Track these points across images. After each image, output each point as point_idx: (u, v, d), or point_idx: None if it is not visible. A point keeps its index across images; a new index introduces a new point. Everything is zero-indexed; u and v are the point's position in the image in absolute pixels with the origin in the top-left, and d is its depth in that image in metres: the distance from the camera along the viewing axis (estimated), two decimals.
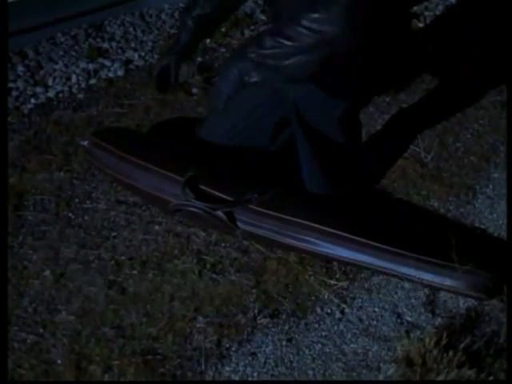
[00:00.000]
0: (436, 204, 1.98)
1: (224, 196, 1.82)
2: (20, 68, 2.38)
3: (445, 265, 1.69)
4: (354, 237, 1.74)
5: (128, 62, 2.47)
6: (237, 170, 1.92)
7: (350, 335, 1.68)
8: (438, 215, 1.95)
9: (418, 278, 1.71)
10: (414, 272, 1.70)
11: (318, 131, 1.82)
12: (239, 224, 1.80)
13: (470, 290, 1.69)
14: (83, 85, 2.36)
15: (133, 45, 2.54)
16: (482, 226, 1.93)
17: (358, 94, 1.85)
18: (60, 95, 2.31)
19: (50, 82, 2.35)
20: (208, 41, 2.51)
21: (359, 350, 1.64)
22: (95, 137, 2.02)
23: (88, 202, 1.96)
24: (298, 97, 1.77)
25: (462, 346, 1.58)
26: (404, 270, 1.71)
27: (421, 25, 2.61)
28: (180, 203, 1.82)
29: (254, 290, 1.75)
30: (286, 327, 1.69)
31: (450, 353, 1.55)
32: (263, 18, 2.71)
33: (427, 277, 1.70)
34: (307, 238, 1.76)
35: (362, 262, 1.74)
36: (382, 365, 1.61)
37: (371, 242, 1.73)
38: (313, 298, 1.75)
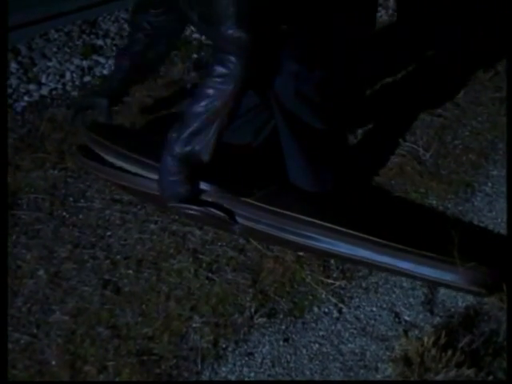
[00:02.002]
0: (434, 202, 1.97)
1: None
2: (13, 65, 2.37)
3: (444, 260, 1.68)
4: (353, 232, 1.73)
5: None
6: (236, 165, 1.92)
7: (347, 335, 1.67)
8: (436, 213, 1.94)
9: (418, 273, 1.70)
10: (413, 267, 1.69)
11: (299, 119, 1.82)
12: (238, 219, 1.79)
13: (469, 285, 1.68)
14: (77, 82, 2.35)
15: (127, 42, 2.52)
16: (481, 224, 1.92)
17: (329, 78, 1.86)
18: (54, 92, 2.30)
19: (43, 79, 2.34)
20: (203, 37, 2.49)
21: (357, 350, 1.64)
22: (90, 131, 2.00)
23: (82, 200, 1.95)
24: (276, 86, 1.77)
25: (461, 345, 1.58)
26: (403, 265, 1.70)
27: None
28: (178, 205, 1.81)
29: (250, 289, 1.74)
30: (283, 327, 1.68)
31: (449, 352, 1.54)
32: None
33: (427, 272, 1.69)
34: (306, 233, 1.75)
35: (362, 258, 1.73)
36: (379, 364, 1.61)
37: (371, 237, 1.72)
38: (310, 297, 1.74)
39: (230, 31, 1.64)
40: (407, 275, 1.73)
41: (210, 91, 1.69)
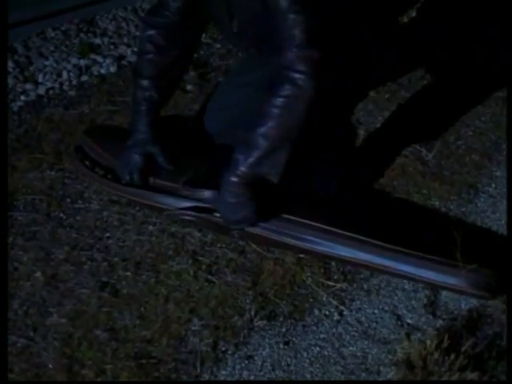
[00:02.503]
0: (437, 203, 1.96)
1: None
2: (9, 64, 2.34)
3: (447, 263, 1.67)
4: (353, 235, 1.72)
5: (121, 57, 2.44)
6: None
7: (348, 338, 1.66)
8: (439, 214, 1.93)
9: (419, 277, 1.69)
10: (414, 270, 1.68)
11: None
12: None
13: (472, 289, 1.67)
14: (74, 81, 2.32)
15: (125, 40, 2.51)
16: (485, 226, 1.91)
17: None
18: (51, 92, 2.28)
19: (40, 79, 2.32)
20: (203, 36, 2.46)
21: (358, 353, 1.63)
22: (87, 136, 1.99)
23: (80, 201, 1.93)
24: None
25: (464, 348, 1.57)
26: (405, 268, 1.69)
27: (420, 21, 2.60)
28: (173, 213, 1.80)
29: (250, 292, 1.73)
30: (284, 329, 1.67)
31: (452, 355, 1.53)
32: None
33: (428, 275, 1.68)
34: (306, 237, 1.74)
35: (362, 261, 1.71)
36: (381, 368, 1.60)
37: (371, 240, 1.71)
38: (310, 299, 1.73)
39: (300, 50, 1.60)
40: (409, 278, 1.72)
41: (281, 112, 1.64)
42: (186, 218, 1.79)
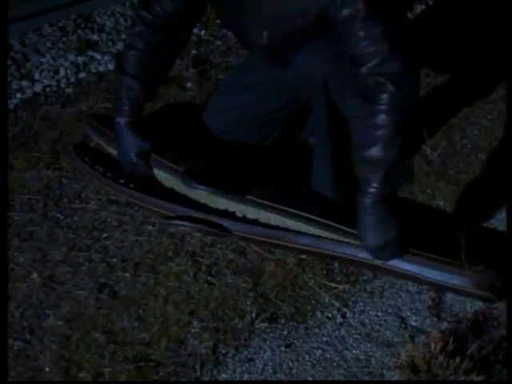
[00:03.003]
0: (442, 203, 1.95)
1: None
2: None
3: (451, 263, 1.66)
4: (357, 232, 1.70)
5: (119, 54, 2.42)
6: (237, 167, 1.90)
7: (351, 340, 1.65)
8: (443, 214, 1.92)
9: (424, 276, 1.67)
10: (419, 270, 1.67)
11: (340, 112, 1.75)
12: (235, 229, 1.78)
13: (477, 289, 1.65)
14: (72, 79, 2.31)
15: (124, 37, 2.49)
16: (490, 226, 1.90)
17: None
18: (47, 89, 2.26)
19: (36, 76, 2.30)
20: (203, 32, 2.47)
21: (361, 356, 1.62)
22: (94, 120, 1.99)
23: (78, 201, 1.92)
24: (327, 73, 1.70)
25: (470, 351, 1.56)
26: (409, 267, 1.68)
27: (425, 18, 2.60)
28: (169, 221, 1.81)
29: (251, 293, 1.72)
30: (285, 332, 1.66)
31: (457, 359, 1.52)
32: None
33: (433, 275, 1.67)
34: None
35: (366, 259, 1.69)
36: (385, 371, 1.59)
37: None
38: (313, 301, 1.72)
39: (391, 54, 1.58)
40: (413, 278, 1.71)
41: (394, 118, 1.61)
42: (182, 228, 1.80)
